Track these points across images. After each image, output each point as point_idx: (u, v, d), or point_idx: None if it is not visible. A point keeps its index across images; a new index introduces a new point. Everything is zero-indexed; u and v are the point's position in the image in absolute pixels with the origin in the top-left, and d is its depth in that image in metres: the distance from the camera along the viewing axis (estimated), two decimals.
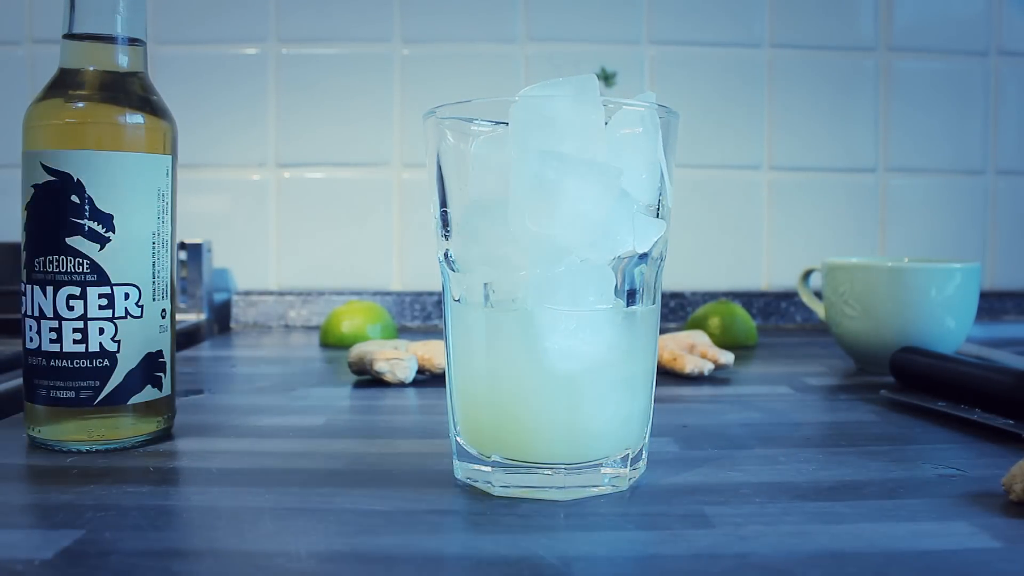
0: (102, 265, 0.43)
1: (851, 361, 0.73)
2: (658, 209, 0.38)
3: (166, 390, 0.46)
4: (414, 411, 0.56)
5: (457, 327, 0.39)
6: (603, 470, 0.38)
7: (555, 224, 0.35)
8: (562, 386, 0.36)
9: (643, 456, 0.40)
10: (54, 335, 0.43)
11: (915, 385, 0.60)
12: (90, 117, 0.44)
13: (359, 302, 0.87)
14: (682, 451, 0.45)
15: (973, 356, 0.69)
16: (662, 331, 0.48)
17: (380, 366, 0.63)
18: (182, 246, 0.93)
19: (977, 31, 1.03)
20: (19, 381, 0.58)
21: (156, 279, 0.45)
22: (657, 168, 0.38)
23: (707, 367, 0.66)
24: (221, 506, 0.36)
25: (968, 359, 0.57)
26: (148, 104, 0.45)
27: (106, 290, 0.43)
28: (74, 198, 0.43)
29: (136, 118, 0.44)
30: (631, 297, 0.38)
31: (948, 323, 0.66)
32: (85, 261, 0.43)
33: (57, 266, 0.43)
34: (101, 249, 0.43)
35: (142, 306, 0.45)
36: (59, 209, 0.43)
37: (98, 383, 0.44)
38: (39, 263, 0.43)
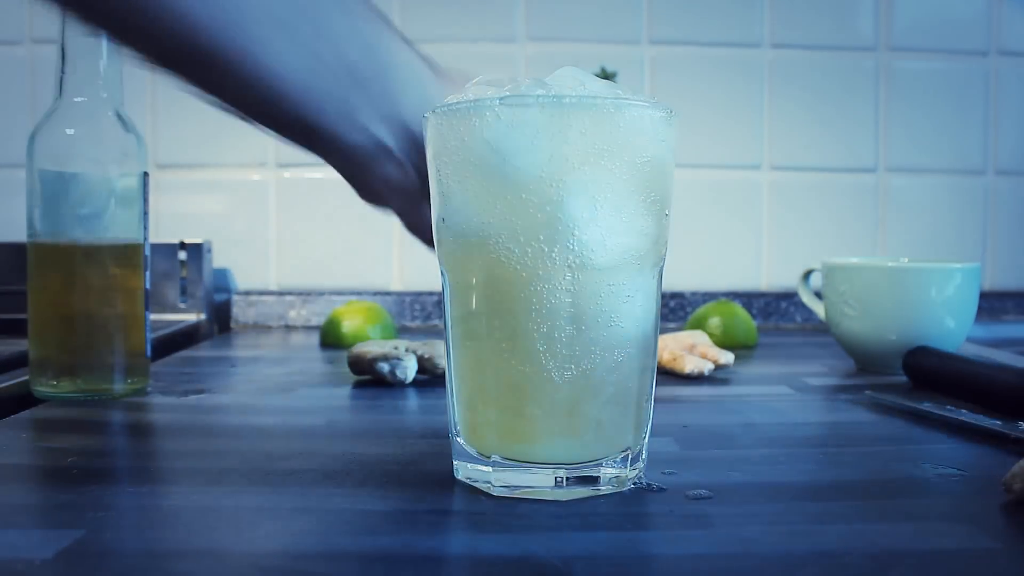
0: None
1: (851, 361, 0.73)
2: (659, 210, 0.38)
3: None
4: (414, 411, 0.56)
5: (457, 327, 0.39)
6: (603, 470, 0.38)
7: (559, 226, 0.35)
8: (562, 386, 0.36)
9: (643, 456, 0.40)
10: None
11: (929, 385, 0.60)
12: None
13: (359, 302, 0.87)
14: (682, 451, 0.45)
15: (974, 356, 0.69)
16: (662, 331, 0.48)
17: (380, 366, 0.63)
18: (182, 246, 0.93)
19: (977, 31, 1.03)
20: (19, 381, 0.58)
21: None
22: (659, 169, 0.38)
23: (707, 367, 0.66)
24: (221, 506, 0.36)
25: (978, 360, 0.57)
26: None
27: None
28: None
29: None
30: (631, 296, 0.38)
31: (948, 323, 0.66)
32: None
33: None
34: None
35: None
36: None
37: None
38: None
